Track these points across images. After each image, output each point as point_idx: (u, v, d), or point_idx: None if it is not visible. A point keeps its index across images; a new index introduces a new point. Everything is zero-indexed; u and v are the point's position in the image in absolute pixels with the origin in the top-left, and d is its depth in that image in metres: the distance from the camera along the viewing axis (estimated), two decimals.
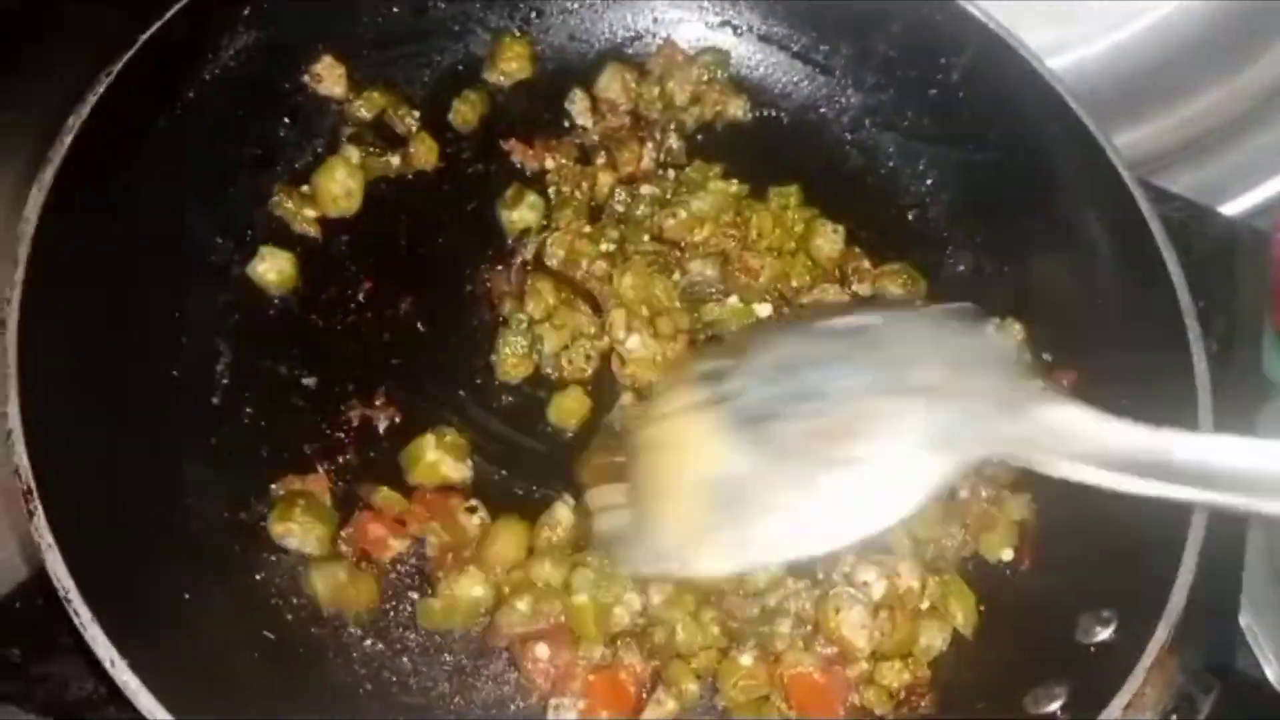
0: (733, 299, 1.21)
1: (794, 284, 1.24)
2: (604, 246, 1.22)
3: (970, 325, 1.03)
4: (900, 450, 0.88)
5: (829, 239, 1.26)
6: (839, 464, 0.88)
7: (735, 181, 1.28)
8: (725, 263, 1.23)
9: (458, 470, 1.10)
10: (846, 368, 0.94)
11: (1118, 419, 0.89)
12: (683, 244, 1.24)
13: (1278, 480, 0.81)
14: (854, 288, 1.26)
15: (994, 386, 0.91)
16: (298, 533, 1.05)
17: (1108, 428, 0.88)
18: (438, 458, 1.09)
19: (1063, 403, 0.90)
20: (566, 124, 1.33)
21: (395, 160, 1.26)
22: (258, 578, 1.05)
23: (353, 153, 1.24)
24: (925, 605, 1.07)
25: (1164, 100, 1.69)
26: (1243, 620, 1.51)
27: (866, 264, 1.27)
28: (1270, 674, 1.47)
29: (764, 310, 1.20)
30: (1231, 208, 1.63)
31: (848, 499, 0.88)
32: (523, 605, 1.02)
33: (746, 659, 1.03)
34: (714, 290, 1.21)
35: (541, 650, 1.01)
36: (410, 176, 1.27)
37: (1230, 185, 1.65)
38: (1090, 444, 0.86)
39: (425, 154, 1.26)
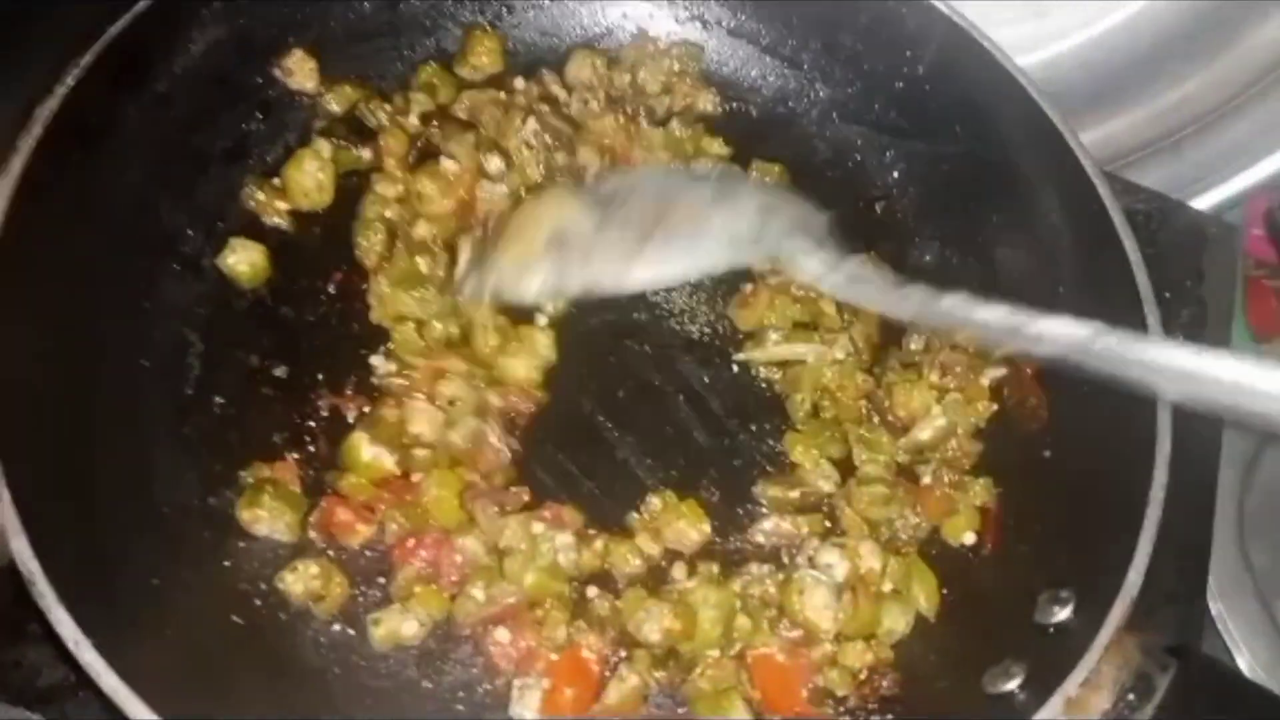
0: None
1: None
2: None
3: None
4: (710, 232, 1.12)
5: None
6: (661, 234, 1.11)
7: (720, 140, 1.32)
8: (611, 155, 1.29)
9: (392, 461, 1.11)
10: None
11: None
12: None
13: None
14: None
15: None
16: (266, 519, 1.06)
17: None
18: (374, 455, 1.10)
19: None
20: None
21: (367, 154, 1.27)
22: (227, 564, 1.06)
23: (323, 146, 1.25)
24: (888, 587, 1.08)
25: (1135, 96, 1.71)
26: (1213, 608, 1.53)
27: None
28: (1241, 662, 1.49)
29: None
30: (1202, 202, 1.64)
31: (659, 255, 1.11)
32: (478, 593, 1.03)
33: (713, 650, 1.05)
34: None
35: (502, 634, 1.02)
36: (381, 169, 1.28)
37: (1201, 180, 1.67)
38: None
39: (395, 146, 1.27)
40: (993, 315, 0.98)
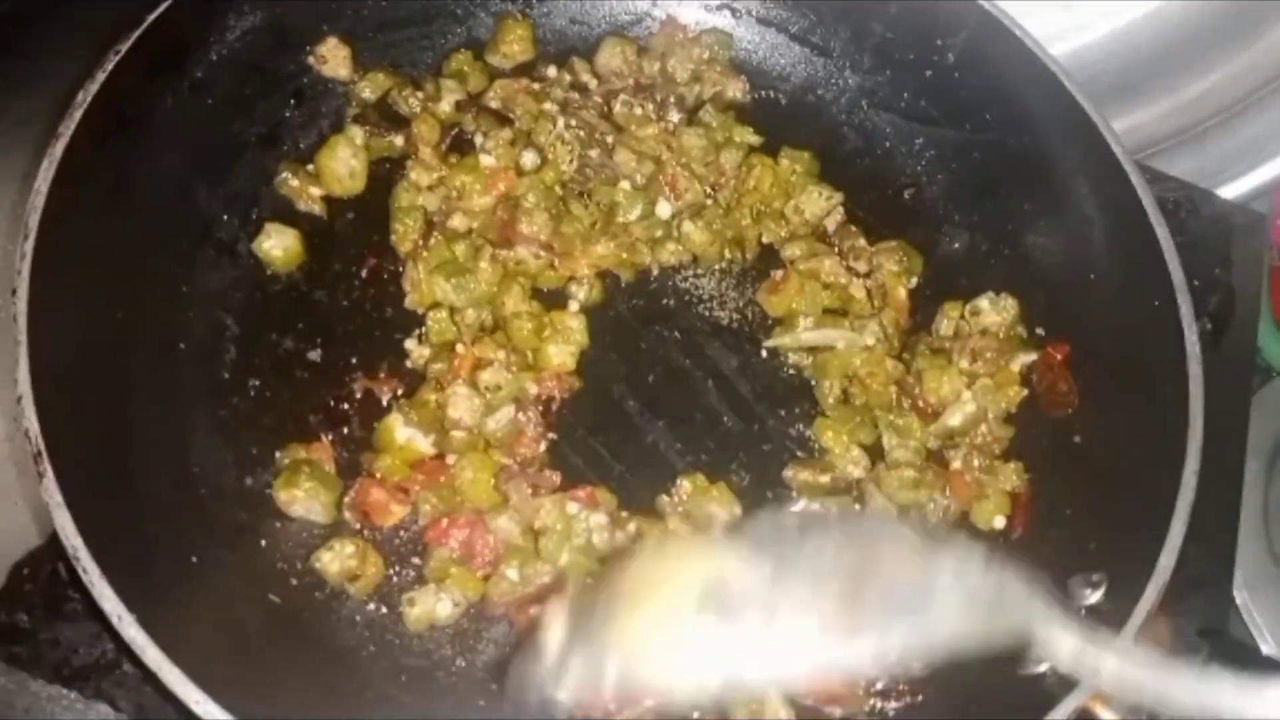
0: (624, 184, 1.26)
1: (766, 239, 1.29)
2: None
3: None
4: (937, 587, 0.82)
5: (814, 201, 1.29)
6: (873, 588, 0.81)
7: (751, 130, 1.32)
8: (655, 168, 1.28)
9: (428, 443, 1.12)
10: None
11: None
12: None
13: None
14: (850, 264, 1.27)
15: None
16: (303, 499, 1.07)
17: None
18: (409, 437, 1.11)
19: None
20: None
21: (399, 140, 1.28)
22: (263, 544, 1.07)
23: (356, 133, 1.26)
24: None
25: (1162, 86, 1.71)
26: (1238, 598, 1.53)
27: (863, 242, 1.29)
28: (1266, 650, 1.49)
29: (664, 210, 1.26)
30: (1229, 191, 1.64)
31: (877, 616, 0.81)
32: (512, 573, 1.04)
33: None
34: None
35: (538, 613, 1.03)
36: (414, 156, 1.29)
37: (1228, 169, 1.67)
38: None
39: (428, 134, 1.28)
40: None
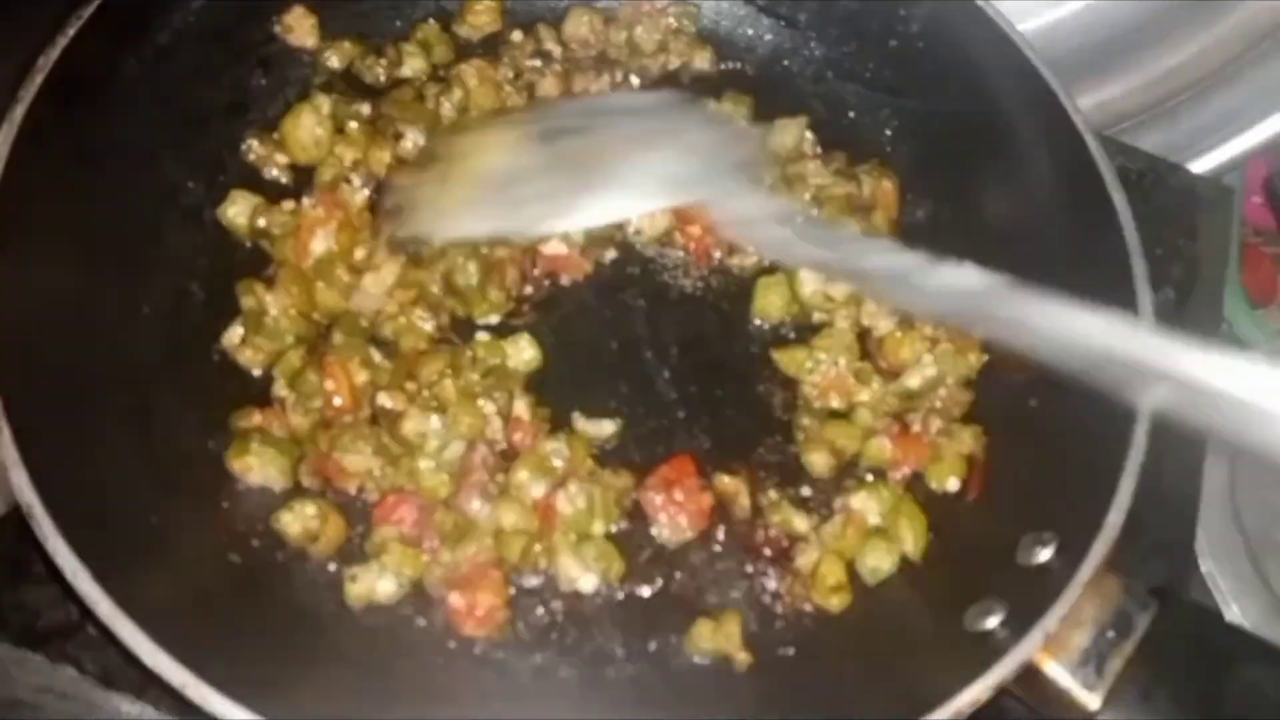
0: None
1: None
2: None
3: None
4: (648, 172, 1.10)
5: (784, 132, 1.32)
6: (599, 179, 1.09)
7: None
8: None
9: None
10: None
11: None
12: None
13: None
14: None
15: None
16: (256, 466, 1.07)
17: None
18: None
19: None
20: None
21: (365, 109, 1.28)
22: (225, 505, 1.08)
23: (322, 101, 1.26)
24: (874, 521, 1.10)
25: (1133, 61, 1.72)
26: (1203, 566, 1.55)
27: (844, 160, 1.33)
28: (1230, 618, 1.50)
29: None
30: (1200, 165, 1.66)
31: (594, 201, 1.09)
32: (445, 556, 1.05)
33: None
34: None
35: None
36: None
37: (1198, 144, 1.68)
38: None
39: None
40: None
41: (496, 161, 1.12)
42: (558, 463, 1.10)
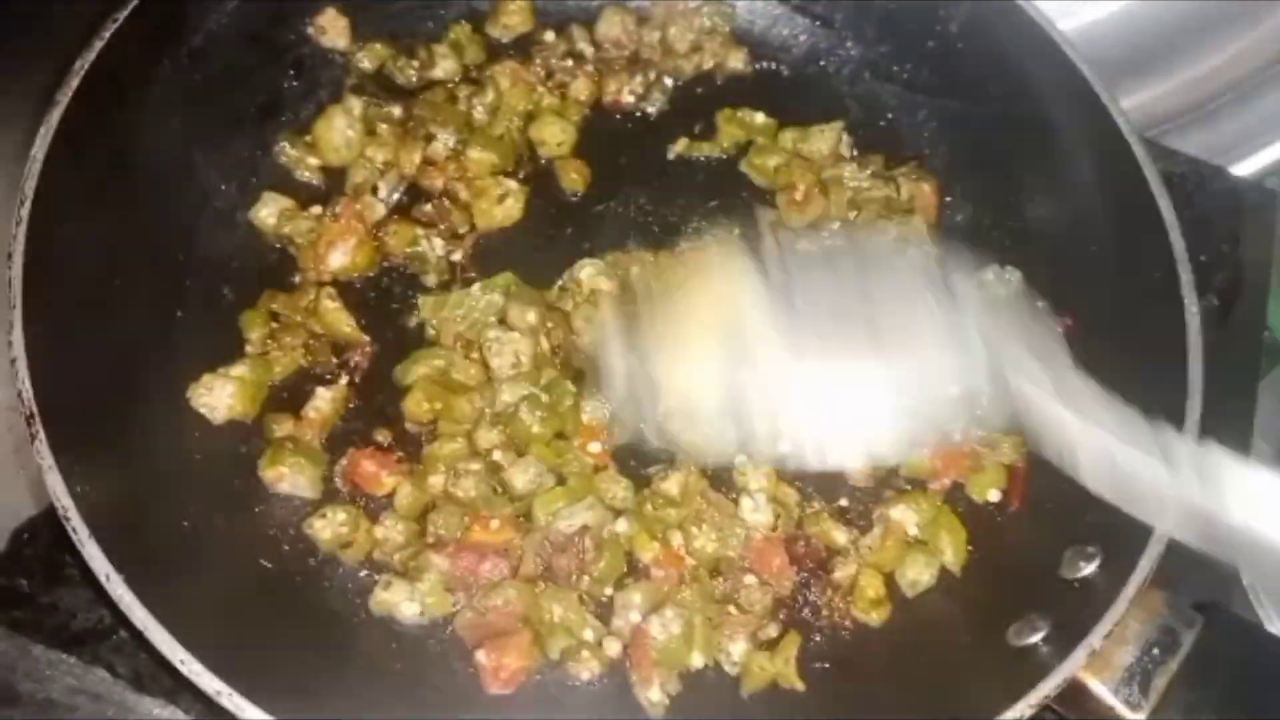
0: None
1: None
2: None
3: None
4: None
5: (819, 138, 1.31)
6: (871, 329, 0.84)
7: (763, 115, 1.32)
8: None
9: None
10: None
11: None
12: None
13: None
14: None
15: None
16: (288, 476, 1.07)
17: None
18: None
19: None
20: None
21: (397, 111, 1.27)
22: (256, 510, 1.08)
23: (354, 103, 1.26)
24: (913, 532, 1.09)
25: (1174, 62, 1.69)
26: (1245, 579, 1.51)
27: (881, 163, 1.31)
28: (1276, 630, 1.47)
29: None
30: (1242, 168, 1.62)
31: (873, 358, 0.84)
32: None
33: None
34: None
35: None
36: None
37: (1241, 146, 1.65)
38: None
39: None
40: None
41: (735, 307, 0.88)
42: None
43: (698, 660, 1.02)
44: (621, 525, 1.07)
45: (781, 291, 0.89)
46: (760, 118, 1.33)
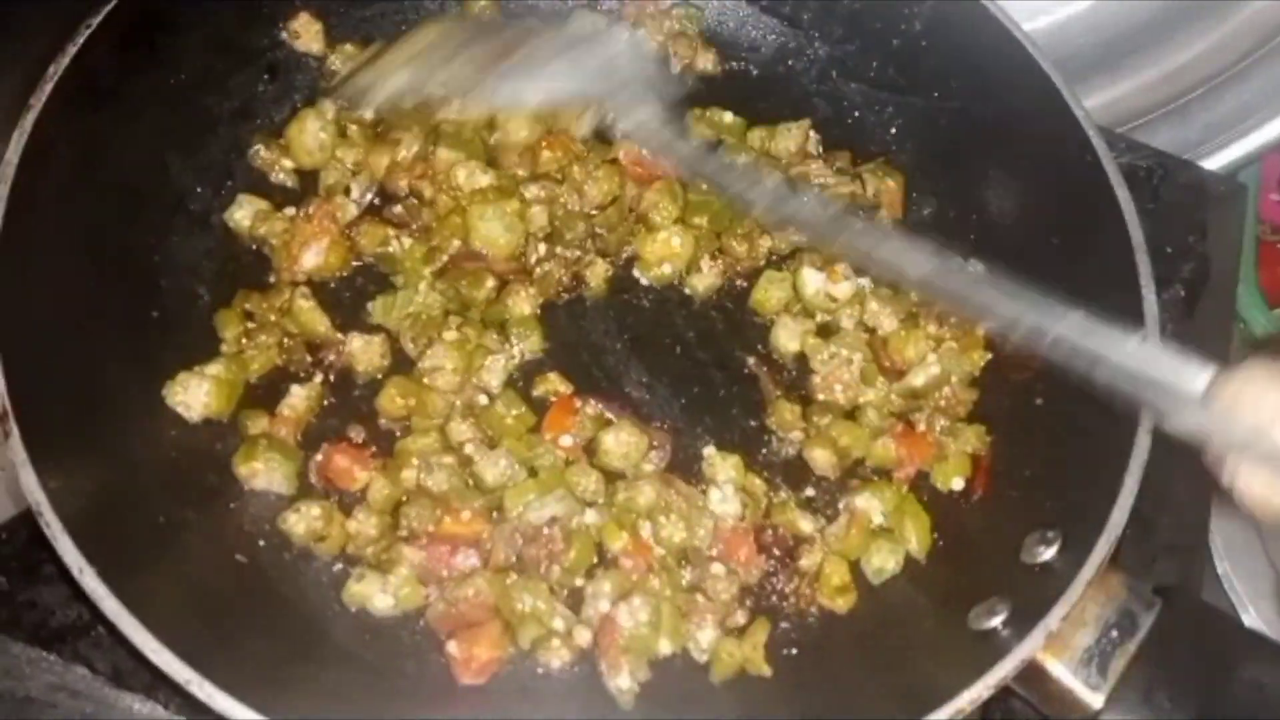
0: None
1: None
2: None
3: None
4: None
5: (786, 136, 1.32)
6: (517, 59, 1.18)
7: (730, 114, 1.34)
8: None
9: None
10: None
11: None
12: None
13: None
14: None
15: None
16: (263, 472, 1.09)
17: None
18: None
19: None
20: None
21: (368, 114, 1.29)
22: (231, 506, 1.09)
23: (327, 106, 1.27)
24: (879, 522, 1.10)
25: (1143, 58, 1.71)
26: (1219, 568, 1.53)
27: (848, 159, 1.33)
28: (1247, 620, 1.49)
29: None
30: (1213, 162, 1.64)
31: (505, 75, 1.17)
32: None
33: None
34: None
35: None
36: None
37: (1211, 140, 1.67)
38: None
39: None
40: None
41: (430, 40, 1.21)
42: None
43: (665, 647, 1.03)
44: (591, 516, 1.08)
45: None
46: (729, 117, 1.34)
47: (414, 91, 1.18)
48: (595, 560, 1.08)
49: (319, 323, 1.17)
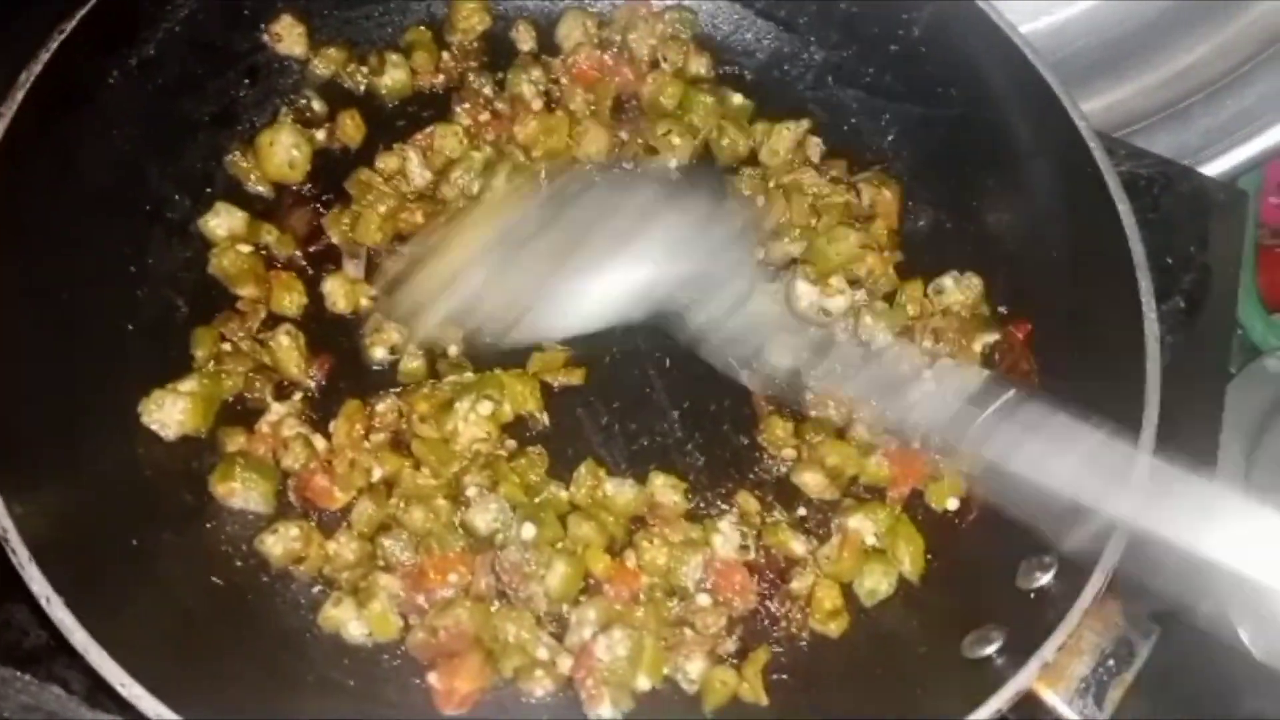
0: None
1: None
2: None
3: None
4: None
5: (784, 136, 1.30)
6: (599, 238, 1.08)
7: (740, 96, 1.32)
8: None
9: None
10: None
11: None
12: None
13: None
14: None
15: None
16: (240, 491, 1.06)
17: None
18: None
19: None
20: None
21: (320, 135, 1.26)
22: (208, 526, 1.07)
23: (285, 123, 1.24)
24: (870, 542, 1.08)
25: (1143, 62, 1.69)
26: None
27: (844, 167, 1.31)
28: (1247, 639, 1.47)
29: None
30: (1213, 168, 1.62)
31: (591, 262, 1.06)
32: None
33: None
34: None
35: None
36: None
37: (1211, 146, 1.65)
38: None
39: (352, 130, 1.26)
40: None
41: (483, 236, 1.09)
42: None
43: (644, 683, 1.01)
44: (575, 528, 1.06)
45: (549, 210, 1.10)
46: (738, 99, 1.33)
47: (470, 312, 1.07)
48: (582, 588, 1.05)
49: (294, 364, 1.13)
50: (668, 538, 1.05)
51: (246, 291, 1.16)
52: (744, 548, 1.07)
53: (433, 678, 0.99)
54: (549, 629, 1.04)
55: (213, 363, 1.12)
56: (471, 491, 1.06)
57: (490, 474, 1.07)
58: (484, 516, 1.05)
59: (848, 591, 1.09)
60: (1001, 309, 1.22)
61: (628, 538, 1.07)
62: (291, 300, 1.17)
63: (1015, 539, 1.05)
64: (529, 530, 1.04)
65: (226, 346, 1.13)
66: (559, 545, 1.05)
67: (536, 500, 1.07)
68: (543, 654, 1.01)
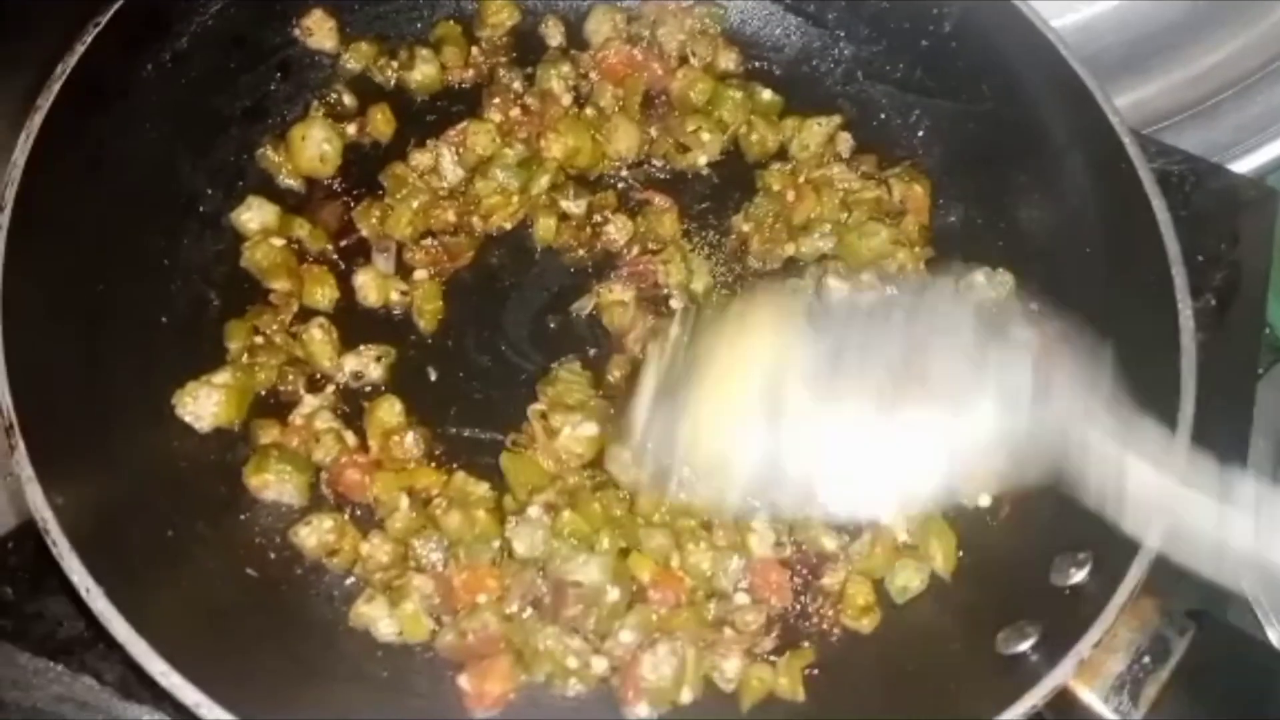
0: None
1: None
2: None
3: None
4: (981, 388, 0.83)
5: (814, 132, 1.29)
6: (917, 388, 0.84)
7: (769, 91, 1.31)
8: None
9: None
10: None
11: None
12: None
13: None
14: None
15: None
16: (274, 483, 1.06)
17: None
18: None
19: None
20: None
21: (351, 129, 1.26)
22: (242, 518, 1.07)
23: (316, 117, 1.24)
24: (903, 538, 1.08)
25: (1173, 58, 1.67)
26: (1246, 589, 1.50)
27: (874, 163, 1.31)
28: (1273, 637, 1.46)
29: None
30: (1242, 165, 1.61)
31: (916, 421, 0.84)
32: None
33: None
34: None
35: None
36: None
37: (1240, 144, 1.63)
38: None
39: (383, 125, 1.26)
40: None
41: (777, 362, 0.85)
42: None
43: (687, 696, 1.00)
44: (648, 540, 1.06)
45: (825, 345, 0.87)
46: (767, 94, 1.32)
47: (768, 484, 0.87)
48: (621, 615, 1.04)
49: (326, 357, 1.13)
50: (713, 541, 1.05)
51: (279, 285, 1.16)
52: (779, 545, 1.06)
53: (463, 680, 0.99)
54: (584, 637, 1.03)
55: (246, 355, 1.12)
56: (533, 510, 1.05)
57: (569, 497, 1.06)
58: (527, 540, 1.03)
59: (879, 588, 1.08)
60: (1033, 305, 1.21)
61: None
62: (323, 294, 1.17)
63: (1049, 535, 1.04)
64: (593, 571, 1.02)
65: (259, 339, 1.13)
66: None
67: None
68: (573, 663, 1.00)
